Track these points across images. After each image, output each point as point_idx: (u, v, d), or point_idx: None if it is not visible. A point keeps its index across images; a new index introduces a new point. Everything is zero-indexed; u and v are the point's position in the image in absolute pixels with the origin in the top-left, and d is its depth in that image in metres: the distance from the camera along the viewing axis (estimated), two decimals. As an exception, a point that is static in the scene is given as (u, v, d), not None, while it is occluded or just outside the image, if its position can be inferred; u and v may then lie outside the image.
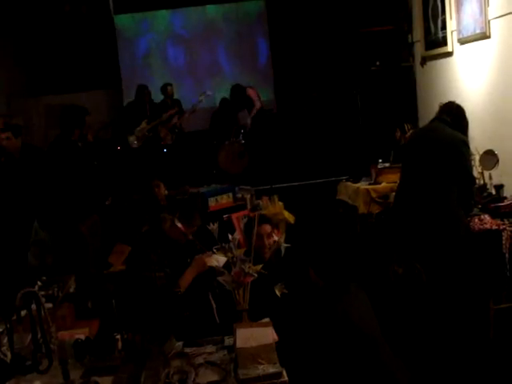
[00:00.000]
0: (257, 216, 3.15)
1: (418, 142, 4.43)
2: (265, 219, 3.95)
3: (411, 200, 4.28)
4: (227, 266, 2.96)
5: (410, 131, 6.16)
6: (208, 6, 10.37)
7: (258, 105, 8.95)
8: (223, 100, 9.64)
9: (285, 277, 3.49)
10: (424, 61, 7.52)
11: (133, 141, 8.47)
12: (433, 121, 4.40)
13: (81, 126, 5.65)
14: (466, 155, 4.24)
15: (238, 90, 8.98)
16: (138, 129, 8.48)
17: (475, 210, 4.56)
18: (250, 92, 8.97)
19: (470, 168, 4.29)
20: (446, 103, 4.45)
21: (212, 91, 9.07)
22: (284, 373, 2.43)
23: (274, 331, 2.60)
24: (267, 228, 3.92)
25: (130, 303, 3.44)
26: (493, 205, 4.67)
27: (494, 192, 5.00)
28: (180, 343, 2.83)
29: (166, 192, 5.54)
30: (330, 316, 2.87)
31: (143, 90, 8.97)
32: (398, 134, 6.53)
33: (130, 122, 8.63)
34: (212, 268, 3.53)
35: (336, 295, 2.95)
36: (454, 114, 4.32)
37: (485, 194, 4.93)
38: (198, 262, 3.64)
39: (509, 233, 4.28)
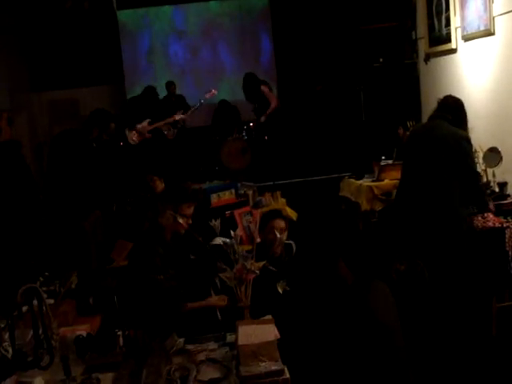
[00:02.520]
0: (259, 213, 3.13)
1: (419, 139, 4.41)
2: (279, 214, 3.95)
3: (413, 197, 4.26)
4: (229, 262, 2.95)
5: (411, 128, 6.14)
6: (211, 1, 10.35)
7: (273, 104, 8.90)
8: (222, 102, 9.63)
9: (294, 273, 3.49)
10: (428, 58, 7.50)
11: (131, 137, 8.41)
12: (433, 118, 4.37)
13: (102, 127, 5.71)
14: (469, 152, 4.21)
15: (250, 79, 8.93)
16: (139, 126, 8.43)
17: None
18: (264, 89, 8.91)
19: (473, 164, 4.26)
20: (444, 98, 4.42)
21: (216, 91, 9.02)
22: (286, 370, 2.42)
23: (275, 328, 2.59)
24: (281, 223, 3.90)
25: (131, 301, 3.43)
26: (496, 202, 4.66)
27: (497, 189, 4.99)
28: (181, 340, 2.82)
29: (163, 185, 5.53)
30: (359, 314, 2.92)
31: (153, 91, 8.88)
32: (401, 131, 6.51)
33: (132, 117, 8.56)
34: (214, 265, 3.54)
35: (365, 293, 3.00)
36: (453, 110, 4.29)
37: (488, 192, 4.92)
38: (212, 301, 3.72)
39: (512, 230, 4.27)
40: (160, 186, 5.51)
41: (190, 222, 3.84)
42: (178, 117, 8.71)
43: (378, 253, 3.29)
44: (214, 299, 3.73)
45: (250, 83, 8.81)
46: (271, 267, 3.48)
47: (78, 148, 5.58)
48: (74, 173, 5.49)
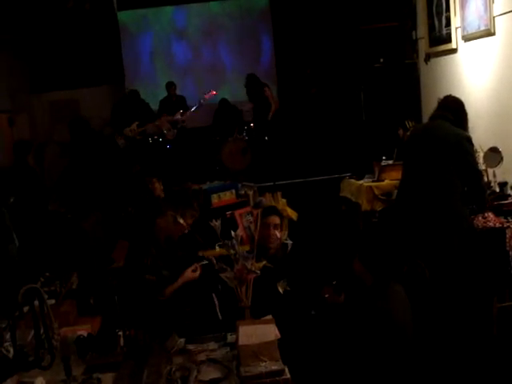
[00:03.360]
0: (259, 212, 3.13)
1: (420, 139, 4.40)
2: (274, 211, 3.95)
3: (414, 197, 4.25)
4: (229, 262, 2.96)
5: (412, 128, 6.14)
6: (211, 2, 10.35)
7: (274, 106, 8.95)
8: (222, 100, 9.65)
9: (290, 272, 3.49)
10: (428, 58, 7.50)
11: (120, 140, 8.39)
12: (434, 118, 4.37)
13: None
14: (471, 151, 4.20)
15: (254, 80, 8.98)
16: (128, 129, 8.40)
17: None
18: (267, 92, 8.98)
19: (475, 163, 4.25)
20: (445, 98, 4.41)
21: (216, 91, 9.03)
22: (286, 370, 2.42)
23: (276, 328, 2.60)
24: (276, 219, 3.88)
25: (130, 300, 3.44)
26: (496, 202, 4.66)
27: (497, 189, 4.99)
28: (182, 340, 2.82)
29: (162, 187, 5.54)
30: (377, 314, 2.95)
31: (135, 95, 8.88)
32: (401, 131, 6.51)
33: (119, 123, 8.55)
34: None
35: (385, 294, 3.04)
36: (454, 110, 4.29)
37: (488, 192, 4.91)
38: (185, 275, 3.72)
39: (513, 230, 4.27)
40: (159, 187, 5.52)
41: (186, 231, 3.87)
42: (169, 117, 8.73)
43: (397, 254, 3.32)
44: (188, 273, 3.76)
45: (254, 84, 8.84)
46: (268, 264, 3.48)
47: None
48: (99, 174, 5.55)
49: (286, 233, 3.89)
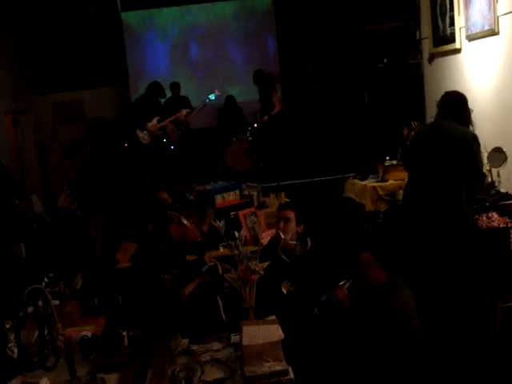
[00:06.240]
0: (264, 213, 3.14)
1: (427, 139, 4.38)
2: (286, 205, 3.95)
3: (421, 197, 4.24)
4: (233, 263, 2.96)
5: (416, 127, 6.13)
6: (215, 3, 10.36)
7: (278, 108, 8.97)
8: (228, 97, 9.65)
9: (300, 271, 3.50)
10: (432, 58, 7.50)
11: (143, 136, 8.35)
12: (439, 118, 4.34)
13: None
14: (477, 151, 4.18)
15: (265, 79, 9.03)
16: (150, 124, 8.32)
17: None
18: (274, 94, 8.99)
19: (480, 164, 4.24)
20: (447, 95, 4.38)
21: (220, 91, 9.03)
22: (290, 370, 2.43)
23: (280, 329, 2.60)
24: (287, 213, 3.75)
25: (136, 301, 3.45)
26: (501, 202, 4.65)
27: (502, 190, 4.98)
28: (186, 340, 2.83)
29: (166, 193, 5.57)
30: (390, 312, 2.99)
31: (158, 87, 8.79)
32: (406, 131, 6.50)
33: (140, 117, 8.47)
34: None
35: (395, 291, 3.10)
36: (458, 107, 4.27)
37: (493, 192, 4.90)
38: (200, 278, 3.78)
39: (517, 231, 4.25)
40: (166, 197, 5.53)
41: (199, 239, 3.88)
42: (185, 111, 8.68)
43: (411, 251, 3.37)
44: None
45: (261, 80, 8.88)
46: (284, 256, 3.50)
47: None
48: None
49: (302, 226, 3.86)
